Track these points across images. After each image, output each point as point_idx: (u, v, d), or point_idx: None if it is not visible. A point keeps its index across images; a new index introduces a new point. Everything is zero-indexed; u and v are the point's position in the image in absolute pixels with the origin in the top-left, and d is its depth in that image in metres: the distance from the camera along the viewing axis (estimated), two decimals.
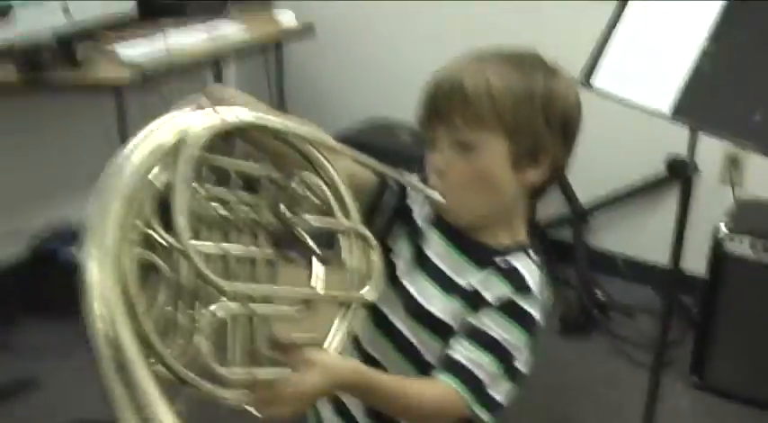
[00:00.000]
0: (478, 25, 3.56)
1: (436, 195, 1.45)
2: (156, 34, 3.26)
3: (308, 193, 1.33)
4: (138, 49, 3.10)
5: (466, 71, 1.44)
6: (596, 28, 2.54)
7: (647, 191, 3.64)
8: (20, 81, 2.95)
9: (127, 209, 1.11)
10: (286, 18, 3.60)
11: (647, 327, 3.45)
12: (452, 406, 1.38)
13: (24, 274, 3.61)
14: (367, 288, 1.36)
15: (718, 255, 3.08)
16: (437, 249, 1.51)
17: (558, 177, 1.51)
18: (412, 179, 1.48)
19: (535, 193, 1.50)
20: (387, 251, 1.50)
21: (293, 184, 1.31)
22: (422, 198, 1.52)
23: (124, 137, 2.93)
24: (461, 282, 1.46)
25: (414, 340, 1.49)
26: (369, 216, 1.47)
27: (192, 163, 1.18)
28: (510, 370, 1.40)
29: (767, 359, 3.10)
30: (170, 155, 1.18)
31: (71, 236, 3.66)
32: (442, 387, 1.38)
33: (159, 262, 1.16)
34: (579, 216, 3.77)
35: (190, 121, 1.22)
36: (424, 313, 1.48)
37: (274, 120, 1.30)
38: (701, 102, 2.34)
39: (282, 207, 1.29)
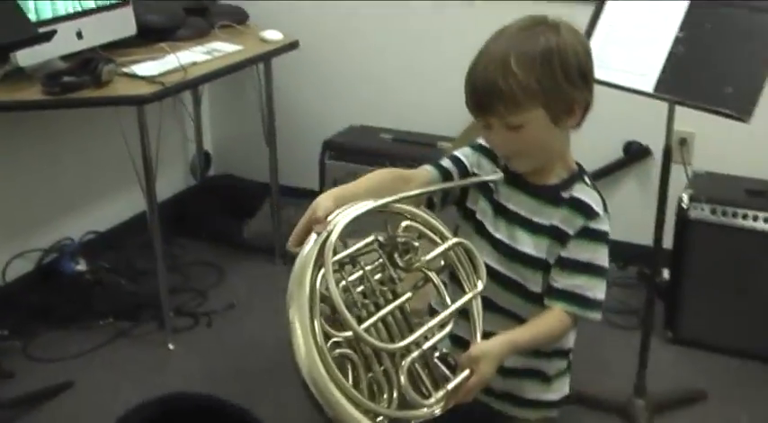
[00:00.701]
0: (448, 37, 3.92)
1: (496, 177, 1.81)
2: (159, 54, 3.54)
3: (411, 237, 1.69)
4: (153, 67, 3.36)
5: (494, 67, 1.72)
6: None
7: (607, 174, 4.02)
8: (47, 101, 3.17)
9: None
10: (272, 35, 3.91)
11: (619, 296, 3.83)
12: (570, 321, 1.78)
13: (34, 288, 3.82)
14: (479, 282, 1.72)
15: (683, 221, 3.46)
16: (512, 200, 1.86)
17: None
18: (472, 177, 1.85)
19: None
20: (472, 214, 1.85)
21: (398, 238, 1.67)
22: (488, 168, 1.87)
23: (145, 145, 3.24)
24: (543, 221, 1.81)
25: (514, 277, 1.83)
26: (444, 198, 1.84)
27: (331, 274, 1.54)
28: (600, 273, 1.77)
29: (729, 310, 3.49)
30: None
31: (73, 252, 3.93)
32: (557, 312, 1.77)
33: (347, 351, 1.57)
34: None
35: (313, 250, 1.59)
36: (518, 254, 1.82)
37: (363, 205, 1.65)
38: (679, 79, 2.75)
39: (399, 257, 1.67)
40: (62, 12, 3.28)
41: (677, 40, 2.77)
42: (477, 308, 1.73)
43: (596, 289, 1.78)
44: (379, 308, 1.62)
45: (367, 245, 1.65)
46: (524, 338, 1.76)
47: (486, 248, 1.86)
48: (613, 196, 4.02)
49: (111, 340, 3.60)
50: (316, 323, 1.53)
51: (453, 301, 1.70)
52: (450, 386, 1.62)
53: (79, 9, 3.36)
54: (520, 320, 1.83)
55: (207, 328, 3.71)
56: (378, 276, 1.66)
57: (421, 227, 1.73)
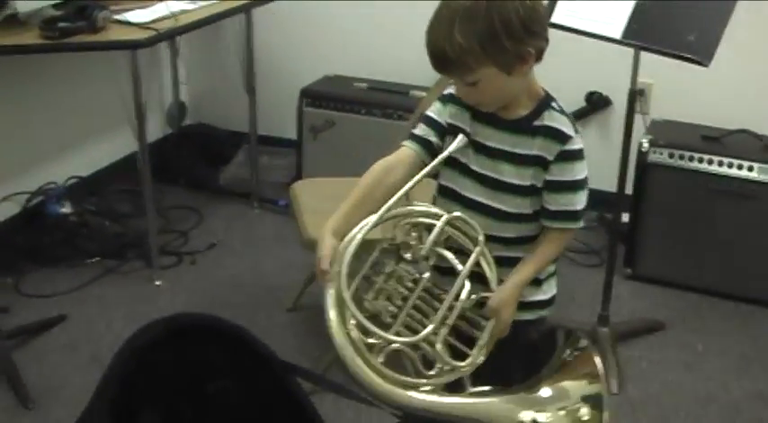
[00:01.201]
0: None
1: (459, 144, 1.97)
2: (148, 3, 3.68)
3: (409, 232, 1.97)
4: (145, 15, 3.51)
5: (441, 36, 1.84)
6: None
7: None
8: (47, 45, 3.30)
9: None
10: None
11: (581, 238, 4.04)
12: (566, 236, 2.01)
13: (20, 230, 3.97)
14: (479, 237, 1.94)
15: (643, 164, 3.69)
16: (491, 137, 2.01)
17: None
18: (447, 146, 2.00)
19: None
20: (454, 160, 2.03)
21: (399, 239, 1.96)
22: (461, 114, 2.03)
23: (138, 89, 3.39)
24: (525, 152, 1.97)
25: (497, 205, 2.01)
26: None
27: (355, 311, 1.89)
28: (582, 186, 1.97)
29: (684, 249, 3.73)
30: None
31: (58, 195, 4.08)
32: (552, 235, 1.99)
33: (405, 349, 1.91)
34: None
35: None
36: (504, 185, 1.99)
37: (355, 241, 1.91)
38: (645, 28, 2.96)
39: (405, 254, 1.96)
40: None
41: None
42: (487, 260, 1.95)
43: (581, 202, 1.99)
44: (405, 303, 1.91)
45: (377, 259, 1.94)
46: (531, 272, 1.99)
47: (473, 185, 2.03)
48: None
49: (99, 277, 3.76)
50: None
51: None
52: (482, 342, 1.93)
53: None
54: (492, 238, 2.00)
55: (190, 266, 3.89)
56: (395, 278, 1.93)
57: (415, 219, 1.96)
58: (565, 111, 2.01)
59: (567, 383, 1.92)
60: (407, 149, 2.06)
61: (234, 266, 3.89)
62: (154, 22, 3.47)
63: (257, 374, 2.52)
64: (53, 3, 3.45)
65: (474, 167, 2.02)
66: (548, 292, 2.12)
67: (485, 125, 2.01)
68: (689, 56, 2.84)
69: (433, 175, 2.07)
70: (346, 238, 1.93)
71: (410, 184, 1.96)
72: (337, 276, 1.90)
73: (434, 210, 1.99)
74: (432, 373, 1.92)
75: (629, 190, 3.64)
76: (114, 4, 3.60)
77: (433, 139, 2.04)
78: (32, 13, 3.39)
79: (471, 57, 1.83)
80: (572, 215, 1.98)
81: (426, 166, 2.00)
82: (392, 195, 1.94)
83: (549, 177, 1.96)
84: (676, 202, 3.71)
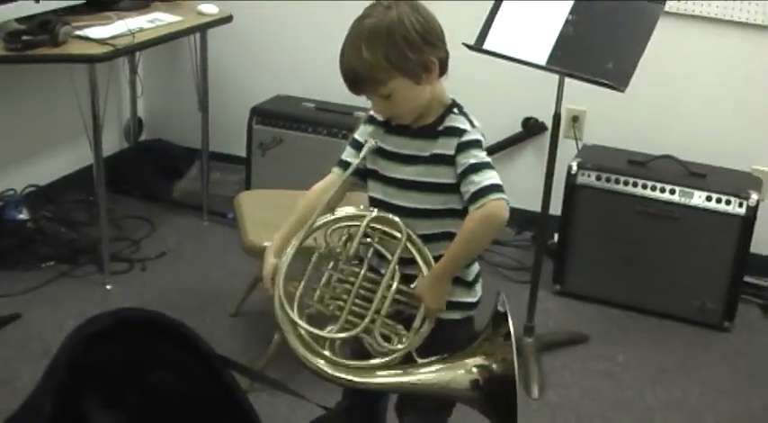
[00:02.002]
0: None
1: (369, 147, 2.19)
2: (107, 21, 3.87)
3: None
4: (104, 31, 3.70)
5: (351, 57, 2.08)
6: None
7: (507, 146, 4.44)
8: (9, 56, 3.48)
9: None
10: (208, 9, 4.27)
11: (514, 256, 4.30)
12: (487, 210, 2.08)
13: None
14: (403, 227, 2.16)
15: (571, 186, 3.91)
16: (397, 144, 2.22)
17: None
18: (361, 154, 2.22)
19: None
20: (371, 170, 2.26)
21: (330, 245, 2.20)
22: (377, 130, 2.25)
23: (95, 102, 3.58)
24: (422, 154, 2.17)
25: (405, 203, 2.20)
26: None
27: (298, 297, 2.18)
28: (488, 166, 2.12)
29: (610, 266, 3.96)
30: None
31: (16, 202, 4.24)
32: (473, 214, 2.09)
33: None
34: None
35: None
36: (414, 183, 2.19)
37: (291, 250, 2.20)
38: (568, 55, 3.19)
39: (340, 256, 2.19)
40: None
41: (567, 22, 3.21)
42: (417, 247, 2.15)
43: (494, 177, 2.11)
44: (349, 296, 2.16)
45: (316, 267, 2.19)
46: (453, 253, 2.13)
47: (390, 190, 2.23)
48: (512, 168, 4.45)
49: (53, 280, 3.93)
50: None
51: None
52: (415, 325, 2.14)
53: None
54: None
55: (141, 272, 4.07)
56: (336, 278, 2.17)
57: (343, 224, 2.19)
58: (465, 113, 2.20)
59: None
60: (336, 174, 2.30)
61: (182, 274, 4.07)
62: (113, 38, 3.66)
63: (196, 367, 2.68)
64: (17, 17, 3.63)
65: (388, 174, 2.23)
66: (476, 294, 2.30)
67: (396, 135, 2.22)
68: (606, 82, 3.06)
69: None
70: (282, 256, 2.20)
71: (327, 195, 2.21)
72: (277, 290, 2.16)
73: (358, 213, 2.19)
74: (377, 359, 2.16)
75: (558, 210, 3.89)
76: (76, 21, 3.78)
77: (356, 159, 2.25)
78: None
79: (380, 71, 2.06)
80: (490, 188, 2.08)
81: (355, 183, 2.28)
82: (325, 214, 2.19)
83: (458, 169, 2.13)
84: (603, 222, 3.93)
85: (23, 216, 4.21)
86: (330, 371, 2.14)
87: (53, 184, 4.54)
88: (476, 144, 2.15)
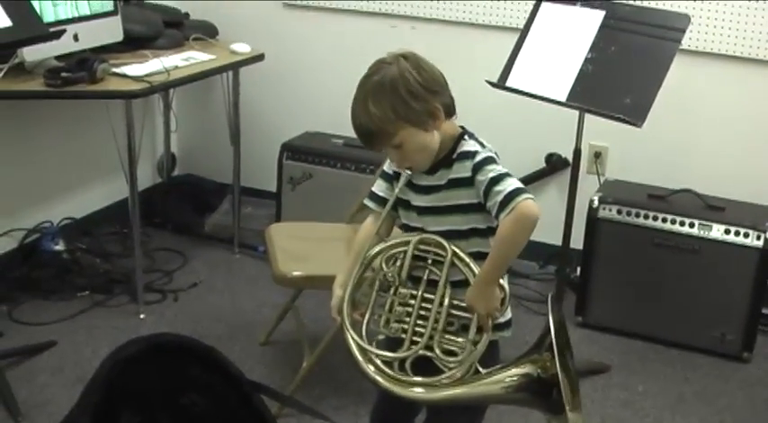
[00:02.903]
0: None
1: (405, 176, 2.31)
2: (142, 59, 4.02)
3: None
4: (140, 69, 3.85)
5: (360, 114, 2.23)
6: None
7: (531, 182, 4.52)
8: (49, 92, 3.62)
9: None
10: (241, 48, 4.42)
11: (538, 288, 4.39)
12: (525, 208, 2.15)
13: (16, 263, 4.28)
14: (446, 244, 2.28)
15: (593, 220, 4.00)
16: (423, 179, 2.34)
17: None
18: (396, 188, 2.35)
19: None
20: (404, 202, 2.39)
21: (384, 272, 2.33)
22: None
23: (131, 137, 3.71)
24: (440, 182, 2.30)
25: (441, 228, 2.31)
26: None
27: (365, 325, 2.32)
28: (506, 175, 2.21)
29: (631, 299, 4.03)
30: None
31: (53, 233, 4.38)
32: (510, 215, 2.16)
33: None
34: None
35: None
36: (435, 209, 2.32)
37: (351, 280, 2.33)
38: (587, 91, 3.31)
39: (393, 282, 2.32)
40: (62, 16, 3.75)
41: (587, 60, 3.33)
42: (464, 262, 2.25)
43: (514, 183, 2.20)
44: (410, 317, 2.28)
45: (379, 293, 2.32)
46: (493, 260, 2.21)
47: (418, 217, 2.37)
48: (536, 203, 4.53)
49: (87, 309, 4.05)
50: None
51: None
52: (470, 336, 2.24)
53: (76, 15, 3.82)
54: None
55: (173, 302, 4.18)
56: (397, 302, 2.30)
57: (394, 250, 2.31)
58: (475, 137, 2.33)
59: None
60: (372, 208, 2.45)
61: (213, 303, 4.19)
62: (148, 75, 3.80)
63: (227, 391, 2.79)
64: (57, 54, 3.78)
65: (416, 203, 2.36)
66: (506, 315, 2.39)
67: (419, 173, 2.35)
68: (624, 117, 3.17)
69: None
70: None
71: (375, 227, 2.37)
72: (345, 320, 2.30)
73: (405, 238, 2.32)
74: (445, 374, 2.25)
75: (581, 244, 3.98)
76: (113, 59, 3.92)
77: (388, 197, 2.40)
78: (38, 63, 3.73)
79: (388, 123, 2.20)
80: (515, 192, 2.16)
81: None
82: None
83: (480, 188, 2.23)
84: (624, 255, 4.01)
85: (59, 247, 4.34)
86: (399, 390, 2.25)
87: (89, 216, 4.67)
88: (490, 160, 2.25)
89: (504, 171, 2.23)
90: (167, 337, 2.91)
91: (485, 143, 2.32)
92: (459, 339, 2.25)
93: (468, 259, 2.25)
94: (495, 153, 2.29)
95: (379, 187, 2.45)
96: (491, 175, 2.22)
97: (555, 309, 2.19)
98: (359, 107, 2.23)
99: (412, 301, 2.28)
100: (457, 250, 2.25)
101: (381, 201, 2.42)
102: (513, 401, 2.32)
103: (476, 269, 2.24)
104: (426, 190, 2.33)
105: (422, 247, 2.29)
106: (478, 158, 2.25)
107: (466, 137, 2.32)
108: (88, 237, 4.56)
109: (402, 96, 2.19)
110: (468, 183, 2.27)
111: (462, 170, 2.27)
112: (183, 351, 2.80)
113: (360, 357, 2.27)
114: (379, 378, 2.26)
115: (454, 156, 2.30)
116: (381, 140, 2.25)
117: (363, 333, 2.29)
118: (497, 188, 2.19)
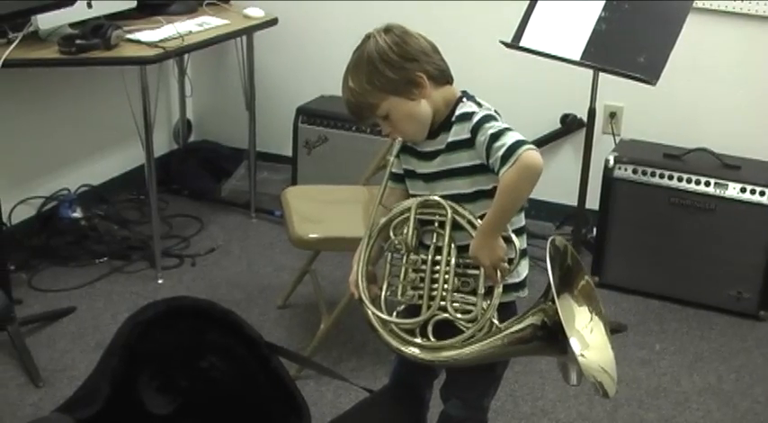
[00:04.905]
0: (409, 23, 4.37)
1: (397, 145, 2.32)
2: (156, 25, 4.02)
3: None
4: (154, 35, 3.85)
5: (344, 91, 2.27)
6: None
7: (546, 143, 4.52)
8: (64, 59, 3.64)
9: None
10: (254, 12, 4.42)
11: None
12: (527, 158, 2.11)
13: (35, 231, 4.31)
14: (444, 203, 2.28)
15: (608, 180, 3.99)
16: (425, 145, 2.33)
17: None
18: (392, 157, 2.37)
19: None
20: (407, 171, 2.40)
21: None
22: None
23: (146, 103, 3.72)
24: (440, 147, 2.29)
25: (447, 193, 2.30)
26: None
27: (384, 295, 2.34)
28: (505, 129, 2.18)
29: (647, 258, 4.03)
30: None
31: (70, 201, 4.41)
32: (513, 166, 2.13)
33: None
34: None
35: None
36: (438, 174, 2.31)
37: (364, 242, 2.35)
38: (601, 50, 3.30)
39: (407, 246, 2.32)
40: None
41: (600, 19, 3.32)
42: (465, 218, 2.25)
43: (514, 136, 2.17)
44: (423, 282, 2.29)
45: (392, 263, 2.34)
46: (494, 206, 2.19)
47: (414, 184, 2.39)
48: (552, 164, 4.49)
49: (106, 275, 4.08)
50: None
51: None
52: (480, 291, 2.25)
53: None
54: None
55: (191, 267, 4.21)
56: (411, 269, 2.31)
57: (398, 218, 2.32)
58: (473, 97, 2.32)
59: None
60: (393, 187, 2.44)
61: (231, 268, 4.21)
62: (162, 41, 3.81)
63: (245, 353, 2.82)
64: (71, 21, 3.79)
65: (419, 170, 2.36)
66: (521, 274, 2.39)
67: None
68: (638, 76, 3.16)
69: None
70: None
71: (378, 198, 2.36)
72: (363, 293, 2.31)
73: (406, 205, 2.32)
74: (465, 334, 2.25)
75: (596, 204, 3.98)
76: (127, 25, 3.93)
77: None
78: (52, 31, 3.74)
79: (368, 95, 2.23)
80: (516, 144, 2.14)
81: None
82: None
83: (482, 148, 2.20)
84: (640, 214, 4.01)
85: (77, 214, 4.36)
86: (424, 355, 2.26)
87: (106, 183, 4.70)
88: (488, 118, 2.23)
89: (503, 126, 2.20)
90: (185, 301, 2.95)
91: (483, 103, 2.31)
92: (472, 298, 2.26)
93: (467, 214, 2.25)
94: (495, 111, 2.28)
95: (396, 166, 2.43)
96: (490, 131, 2.19)
97: (555, 248, 2.21)
98: (343, 83, 2.28)
99: (424, 267, 2.28)
100: (456, 206, 2.26)
101: (400, 178, 2.44)
102: (527, 352, 2.32)
103: (477, 222, 2.24)
104: (429, 156, 2.33)
105: (424, 211, 2.30)
106: (476, 119, 2.23)
107: (464, 99, 2.31)
108: (105, 203, 4.58)
109: (377, 67, 2.22)
110: (467, 144, 2.25)
111: (461, 132, 2.26)
112: (202, 314, 2.84)
113: (381, 329, 2.28)
114: (398, 346, 2.28)
115: (453, 118, 2.29)
116: (367, 112, 2.28)
117: (383, 305, 2.30)
118: (497, 144, 2.17)
